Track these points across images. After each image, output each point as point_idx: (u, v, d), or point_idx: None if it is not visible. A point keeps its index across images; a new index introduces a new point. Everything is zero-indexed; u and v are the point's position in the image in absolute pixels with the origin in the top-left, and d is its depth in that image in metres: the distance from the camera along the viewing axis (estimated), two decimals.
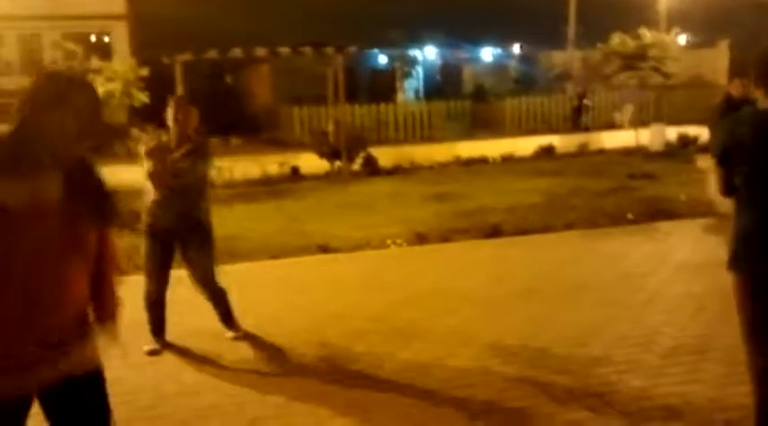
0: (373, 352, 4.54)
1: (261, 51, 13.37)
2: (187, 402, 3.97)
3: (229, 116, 24.33)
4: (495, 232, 7.99)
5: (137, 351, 4.53)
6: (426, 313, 5.26)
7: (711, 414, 3.49)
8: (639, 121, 17.14)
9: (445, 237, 7.90)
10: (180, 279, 4.86)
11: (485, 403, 3.78)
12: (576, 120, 22.28)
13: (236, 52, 13.12)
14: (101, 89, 10.02)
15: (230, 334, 4.83)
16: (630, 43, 15.36)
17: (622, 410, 3.59)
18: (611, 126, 21.00)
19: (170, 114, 4.57)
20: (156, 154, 4.47)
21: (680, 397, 3.68)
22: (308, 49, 13.78)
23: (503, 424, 3.56)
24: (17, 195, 1.95)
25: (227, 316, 4.86)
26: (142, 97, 13.28)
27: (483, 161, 15.14)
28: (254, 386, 4.12)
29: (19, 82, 22.79)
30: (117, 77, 10.42)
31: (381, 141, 20.53)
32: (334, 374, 4.27)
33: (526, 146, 16.27)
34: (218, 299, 4.82)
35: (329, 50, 13.75)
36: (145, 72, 11.66)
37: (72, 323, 2.14)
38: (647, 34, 15.55)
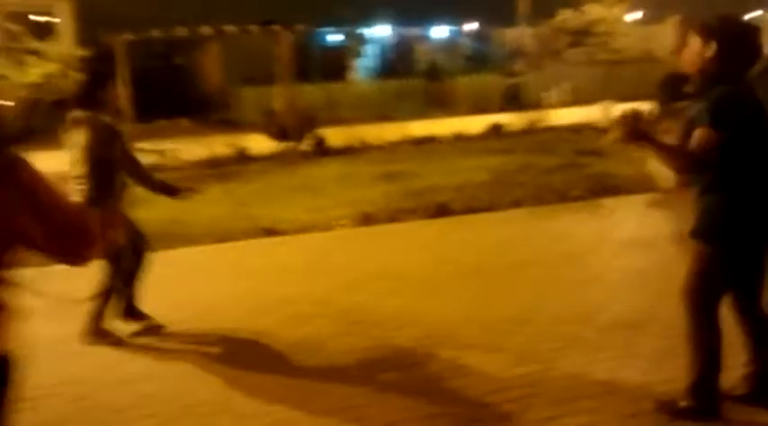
0: (317, 336, 4.49)
1: (206, 30, 13.08)
2: (124, 390, 3.88)
3: (178, 97, 23.94)
4: (442, 211, 8.00)
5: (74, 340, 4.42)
6: (372, 295, 5.24)
7: (647, 388, 3.54)
8: (577, 99, 17.24)
9: (393, 218, 7.87)
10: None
11: (426, 383, 3.77)
12: (509, 99, 22.32)
13: (181, 31, 12.81)
14: (38, 70, 9.68)
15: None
16: (575, 19, 15.45)
17: (559, 386, 3.62)
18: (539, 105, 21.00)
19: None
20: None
21: (615, 372, 3.73)
22: (255, 27, 13.52)
23: (443, 404, 3.55)
24: None
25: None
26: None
27: (434, 140, 15.13)
28: (193, 373, 4.05)
29: None
30: (55, 59, 10.03)
31: (333, 121, 20.35)
32: (277, 358, 4.22)
33: (477, 124, 16.31)
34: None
35: (277, 28, 13.53)
36: (83, 53, 11.25)
37: None
38: (592, 11, 15.65)
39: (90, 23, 23.03)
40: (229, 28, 13.11)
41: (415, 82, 23.51)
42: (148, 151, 12.64)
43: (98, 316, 4.56)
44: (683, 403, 3.19)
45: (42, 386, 3.81)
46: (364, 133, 15.08)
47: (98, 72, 4.63)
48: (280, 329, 4.64)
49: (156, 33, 12.69)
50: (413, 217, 7.91)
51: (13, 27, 24.57)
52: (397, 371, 3.94)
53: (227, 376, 3.98)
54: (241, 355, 4.30)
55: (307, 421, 3.45)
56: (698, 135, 2.91)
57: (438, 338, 4.36)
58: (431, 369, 3.92)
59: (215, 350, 4.42)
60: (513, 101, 22.16)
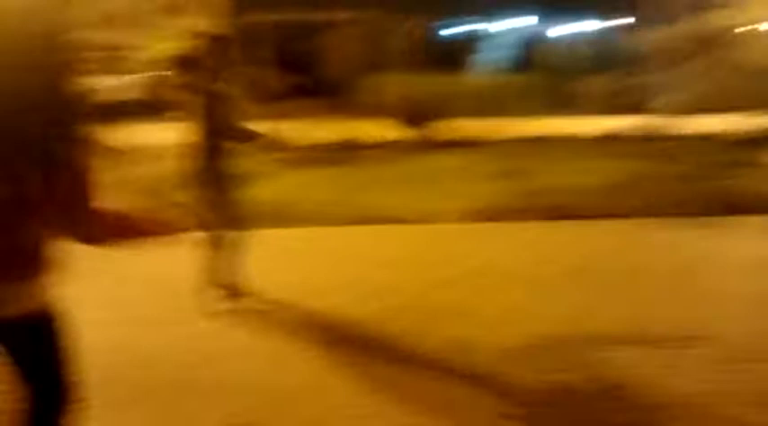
0: (414, 329, 4.49)
1: (343, 15, 13.29)
2: (214, 367, 4.02)
3: (309, 78, 24.47)
4: (553, 213, 7.79)
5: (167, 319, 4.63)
6: (472, 291, 5.20)
7: None
8: (708, 107, 16.23)
9: (502, 215, 7.75)
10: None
11: (527, 384, 3.70)
12: (633, 102, 21.24)
13: (319, 15, 13.05)
14: (173, 44, 10.09)
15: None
16: (710, 23, 14.54)
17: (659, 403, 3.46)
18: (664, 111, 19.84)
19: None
20: None
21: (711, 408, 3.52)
22: (384, 15, 13.62)
23: (546, 408, 3.48)
24: None
25: None
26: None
27: (551, 139, 14.76)
28: (283, 357, 4.14)
29: (118, 36, 23.12)
30: (193, 35, 10.44)
31: (452, 113, 20.25)
32: (371, 349, 4.25)
33: (597, 126, 15.76)
34: None
35: (403, 17, 13.58)
36: (220, 31, 11.67)
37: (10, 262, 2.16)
38: (729, 15, 14.70)
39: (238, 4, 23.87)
40: (364, 14, 13.24)
41: (537, 78, 22.93)
42: (272, 130, 13.07)
43: (201, 290, 4.75)
44: None
45: (140, 356, 4.03)
46: (482, 127, 14.90)
47: (213, 39, 4.75)
48: (375, 319, 4.67)
49: (294, 16, 12.99)
50: (523, 217, 7.75)
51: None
52: (496, 370, 3.88)
53: (317, 363, 4.05)
54: (333, 343, 4.35)
55: (398, 418, 3.45)
56: None
57: (542, 338, 4.28)
58: (531, 373, 3.85)
59: (307, 335, 4.49)
60: (638, 104, 21.24)
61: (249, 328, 4.55)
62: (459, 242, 6.79)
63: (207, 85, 4.54)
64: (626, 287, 5.32)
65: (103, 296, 5.06)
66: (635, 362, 3.97)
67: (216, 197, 4.67)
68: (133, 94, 20.64)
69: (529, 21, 21.82)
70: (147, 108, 20.13)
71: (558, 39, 27.21)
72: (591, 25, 20.89)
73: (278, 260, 5.79)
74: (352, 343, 4.33)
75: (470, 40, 24.36)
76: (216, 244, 4.73)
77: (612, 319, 4.64)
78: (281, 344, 4.30)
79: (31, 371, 2.29)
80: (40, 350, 2.29)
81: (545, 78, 23.46)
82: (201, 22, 16.15)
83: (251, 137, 4.99)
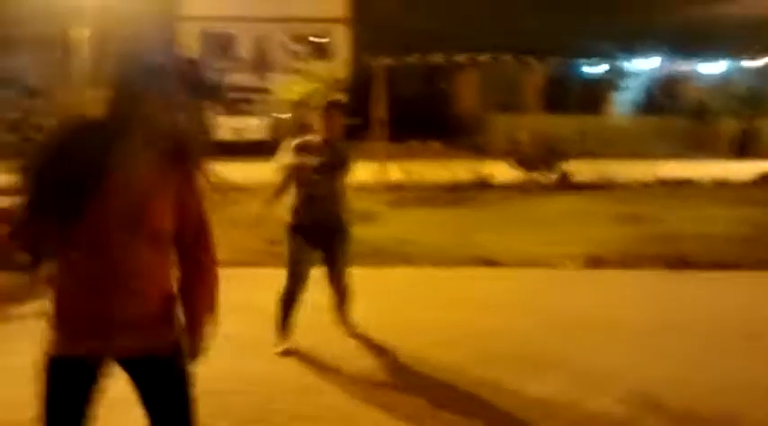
0: (502, 379, 4.27)
1: (460, 57, 13.36)
2: (303, 400, 3.99)
3: (433, 120, 24.73)
4: (681, 262, 7.28)
5: (266, 346, 4.65)
6: (573, 343, 4.89)
7: None
8: None
9: (623, 263, 7.34)
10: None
11: None
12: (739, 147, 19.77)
13: (437, 58, 13.21)
14: (300, 88, 10.49)
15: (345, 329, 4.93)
16: None
17: None
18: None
19: (316, 119, 4.65)
20: (305, 150, 4.56)
21: None
22: (508, 57, 13.53)
23: None
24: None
25: (345, 313, 4.94)
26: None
27: (690, 183, 13.99)
28: (371, 396, 4.04)
29: (250, 79, 24.92)
30: (317, 79, 10.80)
31: (582, 154, 19.69)
32: (455, 397, 4.07)
33: (744, 170, 14.77)
34: (345, 298, 4.88)
35: (530, 58, 13.42)
36: (342, 74, 11.97)
37: (149, 305, 2.18)
38: None
39: (364, 47, 24.67)
40: (484, 56, 13.25)
41: (677, 120, 21.95)
42: (394, 171, 13.21)
43: (280, 323, 4.73)
44: None
45: (231, 381, 4.07)
46: (613, 169, 14.36)
47: (330, 83, 4.83)
48: (466, 365, 4.48)
49: (413, 59, 13.20)
50: (646, 265, 7.30)
51: (295, 47, 27.17)
52: None
53: (400, 405, 3.91)
54: (420, 385, 4.20)
55: None
56: None
57: (635, 408, 3.92)
58: None
59: (396, 375, 4.36)
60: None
61: (338, 365, 4.49)
62: (571, 288, 6.47)
63: (325, 129, 4.59)
64: (744, 347, 4.84)
65: None
66: None
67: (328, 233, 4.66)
68: (257, 135, 21.63)
69: (662, 60, 20.96)
70: (269, 148, 21.04)
71: (706, 77, 25.96)
72: (722, 66, 19.77)
73: (380, 296, 5.74)
74: (434, 387, 4.16)
75: (604, 80, 23.74)
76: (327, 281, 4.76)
77: (724, 381, 4.21)
78: (364, 383, 4.21)
79: (163, 415, 2.28)
80: (176, 390, 2.29)
81: (687, 120, 22.44)
82: (330, 67, 16.86)
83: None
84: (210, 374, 4.25)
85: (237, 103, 22.29)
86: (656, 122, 21.54)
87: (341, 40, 28.52)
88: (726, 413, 3.79)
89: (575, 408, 3.90)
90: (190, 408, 2.31)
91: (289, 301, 4.70)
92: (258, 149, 21.49)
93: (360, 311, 4.99)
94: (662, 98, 24.41)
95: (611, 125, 21.61)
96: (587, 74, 23.95)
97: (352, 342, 4.85)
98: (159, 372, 2.24)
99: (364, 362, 4.55)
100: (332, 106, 4.71)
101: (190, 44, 28.33)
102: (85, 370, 2.18)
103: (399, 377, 4.35)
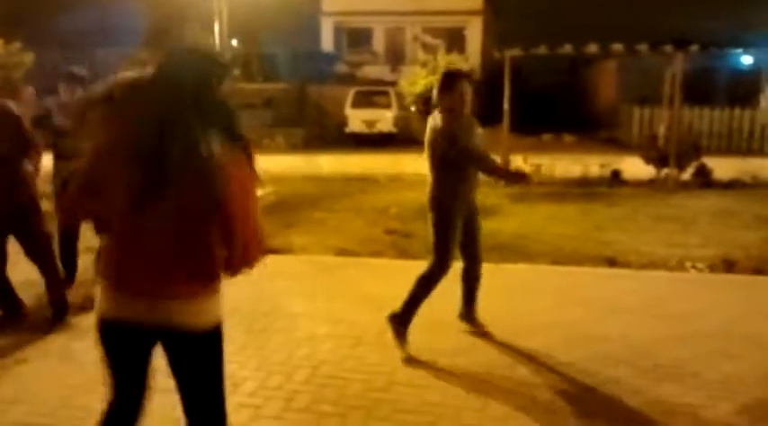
0: (620, 385, 4.13)
1: (593, 48, 12.87)
2: (409, 393, 4.04)
3: (569, 112, 24.03)
4: None
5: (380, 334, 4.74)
6: (700, 353, 4.64)
7: None
8: None
9: (760, 268, 6.86)
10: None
11: None
12: None
13: (567, 49, 12.81)
14: (425, 81, 10.49)
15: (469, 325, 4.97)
16: None
17: None
18: None
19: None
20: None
21: None
22: (644, 47, 12.90)
23: None
24: None
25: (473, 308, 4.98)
26: None
27: None
28: (479, 393, 4.03)
29: (383, 71, 25.35)
30: (439, 70, 10.66)
31: (728, 151, 18.53)
32: (574, 396, 3.99)
33: None
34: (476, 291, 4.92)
35: (669, 49, 12.73)
36: (465, 66, 11.74)
37: (196, 280, 2.27)
38: None
39: (501, 39, 24.36)
40: (617, 47, 12.70)
41: None
42: (523, 164, 12.98)
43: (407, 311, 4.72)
44: None
45: (341, 367, 4.18)
46: (760, 167, 13.40)
47: (446, 76, 4.78)
48: (580, 369, 4.37)
49: (541, 50, 12.87)
50: None
51: (430, 40, 27.18)
52: None
53: (509, 403, 3.89)
54: (527, 384, 4.15)
55: None
56: None
57: (758, 415, 3.71)
58: None
59: (505, 374, 4.33)
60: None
61: (451, 361, 4.50)
62: (702, 294, 6.11)
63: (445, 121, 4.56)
64: None
65: (323, 312, 5.38)
66: None
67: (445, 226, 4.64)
68: (388, 127, 21.86)
69: None
70: (393, 140, 21.25)
71: None
72: None
73: (497, 294, 5.68)
74: (543, 388, 4.08)
75: (756, 72, 22.14)
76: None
77: None
78: (474, 380, 4.20)
79: (195, 391, 2.40)
80: (210, 368, 2.40)
81: None
82: (458, 59, 16.64)
83: (509, 174, 5.05)
84: (317, 358, 4.44)
85: (371, 96, 22.66)
86: None
87: (475, 33, 28.30)
88: None
89: (694, 415, 3.76)
90: (221, 387, 2.42)
91: (431, 287, 4.66)
92: (388, 141, 21.87)
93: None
94: None
95: (763, 119, 20.11)
96: (740, 65, 22.41)
97: (468, 338, 4.86)
98: (196, 348, 2.34)
99: (478, 358, 4.54)
100: (453, 77, 4.72)
101: (326, 37, 29.13)
102: (135, 335, 2.32)
103: (512, 374, 4.31)
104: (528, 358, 4.55)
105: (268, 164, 17.40)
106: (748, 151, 18.98)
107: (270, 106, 24.27)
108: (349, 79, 26.39)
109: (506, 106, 12.82)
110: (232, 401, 3.86)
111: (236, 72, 24.07)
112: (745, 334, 4.98)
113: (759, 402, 3.89)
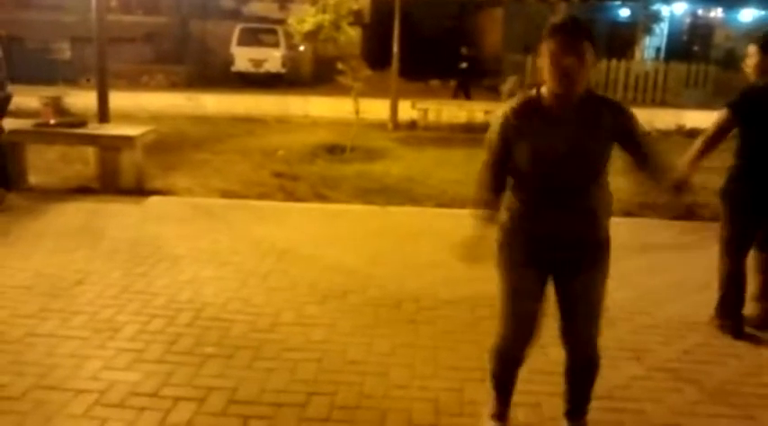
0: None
1: None
2: (299, 331, 4.08)
3: (456, 59, 24.25)
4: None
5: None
6: None
7: None
8: None
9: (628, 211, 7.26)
10: None
11: None
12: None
13: None
14: (311, 20, 10.18)
15: None
16: None
17: None
18: None
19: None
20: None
21: None
22: None
23: None
24: None
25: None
26: (350, 33, 10.94)
27: None
28: (365, 330, 4.10)
29: (270, 8, 24.05)
30: (329, 9, 10.26)
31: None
32: (447, 334, 4.11)
33: None
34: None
35: None
36: (356, 5, 11.39)
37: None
38: None
39: None
40: None
41: (706, 68, 21.33)
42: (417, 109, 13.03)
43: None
44: None
45: (228, 311, 4.12)
46: (637, 117, 14.04)
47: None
48: (468, 304, 4.51)
49: None
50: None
51: None
52: None
53: (408, 338, 3.97)
54: (426, 324, 4.25)
55: None
56: None
57: None
58: None
59: (395, 311, 4.41)
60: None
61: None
62: None
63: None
64: None
65: (208, 254, 5.27)
66: None
67: None
68: (272, 67, 21.39)
69: (697, 4, 20.23)
70: (281, 81, 20.82)
71: (739, 25, 25.14)
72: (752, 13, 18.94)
73: (386, 236, 5.74)
74: (422, 324, 4.20)
75: (633, 24, 23.09)
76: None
77: None
78: (366, 318, 4.25)
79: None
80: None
81: (716, 68, 21.84)
82: None
83: None
84: (201, 301, 4.32)
85: (258, 34, 21.99)
86: (683, 70, 20.97)
87: None
88: None
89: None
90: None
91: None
92: (276, 82, 21.39)
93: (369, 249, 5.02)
94: (692, 45, 23.74)
95: (638, 70, 21.06)
96: (618, 17, 23.26)
97: (355, 279, 4.88)
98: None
99: (363, 298, 4.58)
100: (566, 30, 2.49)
101: None
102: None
103: (398, 311, 4.39)
104: (413, 297, 4.65)
105: (146, 101, 16.53)
106: (624, 101, 19.84)
107: (149, 41, 23.14)
108: (234, 15, 25.41)
109: (396, 49, 12.74)
110: (112, 346, 3.76)
111: (112, 2, 22.64)
112: None
113: None
